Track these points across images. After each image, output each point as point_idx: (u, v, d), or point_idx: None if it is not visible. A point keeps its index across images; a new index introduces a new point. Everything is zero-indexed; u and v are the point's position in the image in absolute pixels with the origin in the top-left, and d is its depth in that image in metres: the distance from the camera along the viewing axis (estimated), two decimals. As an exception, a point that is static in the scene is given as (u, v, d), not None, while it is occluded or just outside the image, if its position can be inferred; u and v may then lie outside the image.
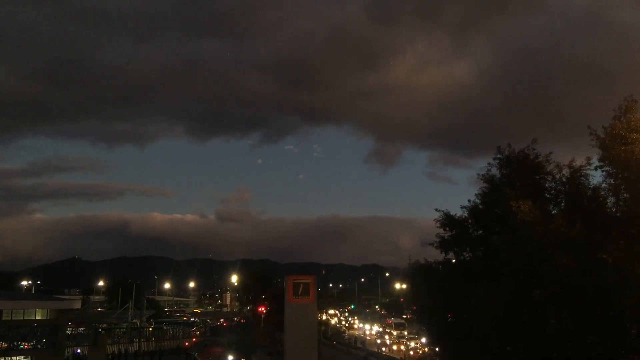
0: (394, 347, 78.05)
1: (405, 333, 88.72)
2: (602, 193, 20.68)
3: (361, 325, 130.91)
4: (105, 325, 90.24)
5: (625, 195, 19.49)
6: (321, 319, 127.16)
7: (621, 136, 18.57)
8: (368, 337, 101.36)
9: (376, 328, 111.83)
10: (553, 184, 23.31)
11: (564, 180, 22.56)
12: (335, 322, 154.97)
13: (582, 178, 21.84)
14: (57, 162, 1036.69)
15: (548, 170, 23.51)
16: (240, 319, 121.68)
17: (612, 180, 19.84)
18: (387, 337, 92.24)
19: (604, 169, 19.83)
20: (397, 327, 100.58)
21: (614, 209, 20.29)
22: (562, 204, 22.42)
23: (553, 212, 21.87)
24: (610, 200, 20.47)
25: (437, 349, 30.60)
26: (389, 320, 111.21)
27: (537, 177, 23.63)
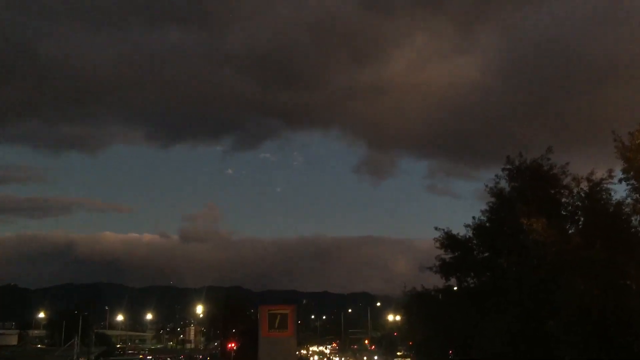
0: None
1: None
2: (626, 210, 20.84)
3: None
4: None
5: (652, 212, 19.66)
6: (301, 355, 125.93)
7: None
8: None
9: None
10: (570, 199, 23.52)
11: (583, 195, 22.76)
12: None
13: (604, 193, 22.04)
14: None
15: (564, 183, 23.76)
16: (207, 357, 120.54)
17: (637, 195, 19.98)
18: None
19: (628, 182, 19.98)
20: None
21: (640, 228, 20.45)
22: (581, 222, 22.59)
23: (570, 231, 22.02)
24: (636, 218, 20.63)
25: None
26: None
27: (552, 192, 23.84)
